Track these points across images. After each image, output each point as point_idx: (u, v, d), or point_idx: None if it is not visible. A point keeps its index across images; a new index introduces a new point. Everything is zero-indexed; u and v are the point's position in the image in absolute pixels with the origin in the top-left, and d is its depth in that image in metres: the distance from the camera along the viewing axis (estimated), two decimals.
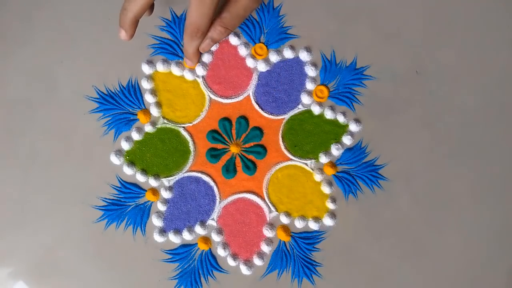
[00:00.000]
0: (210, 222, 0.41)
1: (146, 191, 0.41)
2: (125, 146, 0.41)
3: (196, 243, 0.41)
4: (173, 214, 0.41)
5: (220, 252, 0.41)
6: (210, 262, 0.41)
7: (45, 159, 0.41)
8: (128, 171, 0.41)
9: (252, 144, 0.41)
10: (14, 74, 0.42)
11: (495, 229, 0.41)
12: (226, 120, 0.41)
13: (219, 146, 0.41)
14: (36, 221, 0.41)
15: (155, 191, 0.41)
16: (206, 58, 0.41)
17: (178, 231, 0.41)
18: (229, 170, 0.41)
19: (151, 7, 0.39)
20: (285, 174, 0.41)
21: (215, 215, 0.41)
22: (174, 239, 0.41)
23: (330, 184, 0.41)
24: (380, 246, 0.41)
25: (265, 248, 0.41)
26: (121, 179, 0.41)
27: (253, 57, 0.41)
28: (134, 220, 0.41)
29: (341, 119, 0.41)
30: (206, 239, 0.41)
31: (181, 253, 0.41)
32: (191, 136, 0.41)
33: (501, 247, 0.41)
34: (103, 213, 0.41)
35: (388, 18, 0.42)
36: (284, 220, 0.41)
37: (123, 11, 0.35)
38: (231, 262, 0.41)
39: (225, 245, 0.41)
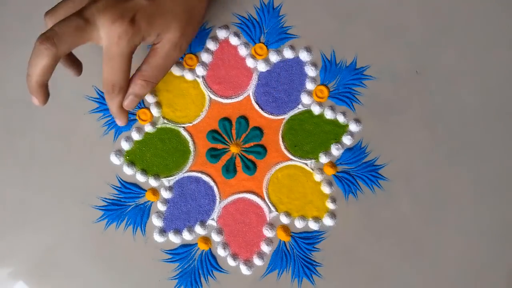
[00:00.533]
0: (210, 222, 0.41)
1: (146, 191, 0.41)
2: (125, 146, 0.41)
3: (196, 243, 0.41)
4: (173, 214, 0.41)
5: (220, 252, 0.41)
6: (210, 262, 0.41)
7: (45, 159, 0.41)
8: (128, 171, 0.41)
9: (252, 144, 0.41)
10: (14, 74, 0.42)
11: (495, 229, 0.41)
12: (226, 120, 0.41)
13: (219, 146, 0.41)
14: (36, 221, 0.41)
15: (155, 191, 0.41)
16: (206, 58, 0.41)
17: (178, 231, 0.41)
18: (229, 170, 0.41)
19: (77, 67, 0.37)
20: (285, 174, 0.41)
21: (215, 215, 0.41)
22: (174, 239, 0.41)
23: (330, 184, 0.41)
24: (380, 246, 0.41)
25: (265, 248, 0.41)
26: (121, 179, 0.41)
27: (253, 57, 0.41)
28: (134, 220, 0.41)
29: (341, 119, 0.41)
30: (206, 239, 0.41)
31: (181, 253, 0.41)
32: (191, 136, 0.41)
33: (501, 247, 0.41)
34: (103, 213, 0.41)
35: (388, 18, 0.42)
36: (284, 220, 0.41)
37: (27, 76, 0.32)
38: (231, 262, 0.41)
39: (225, 245, 0.41)
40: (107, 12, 0.31)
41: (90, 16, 0.31)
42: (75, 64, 0.37)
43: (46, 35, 0.31)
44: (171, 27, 0.34)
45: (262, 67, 0.41)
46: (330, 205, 0.41)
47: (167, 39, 0.34)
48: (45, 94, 0.33)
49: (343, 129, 0.41)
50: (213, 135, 0.41)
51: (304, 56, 0.41)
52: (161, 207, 0.41)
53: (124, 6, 0.32)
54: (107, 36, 0.32)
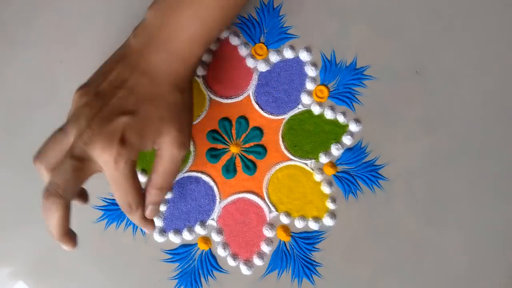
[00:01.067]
0: (210, 222, 0.41)
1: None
2: None
3: (196, 243, 0.41)
4: (173, 214, 0.41)
5: (220, 252, 0.41)
6: (210, 262, 0.41)
7: None
8: None
9: (252, 144, 0.41)
10: (14, 74, 0.42)
11: (495, 229, 0.41)
12: (226, 120, 0.41)
13: (219, 146, 0.41)
14: (36, 221, 0.41)
15: None
16: (206, 58, 0.41)
17: (178, 231, 0.41)
18: (229, 170, 0.41)
19: (84, 197, 0.36)
20: (285, 174, 0.41)
21: (215, 215, 0.41)
22: (174, 239, 0.41)
23: (330, 184, 0.41)
24: (380, 246, 0.41)
25: (265, 248, 0.41)
26: None
27: (253, 57, 0.41)
28: None
29: (341, 119, 0.41)
30: (206, 239, 0.41)
31: (181, 253, 0.41)
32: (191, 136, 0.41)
33: (501, 247, 0.41)
34: (103, 213, 0.41)
35: (388, 18, 0.42)
36: (284, 220, 0.41)
37: (47, 231, 0.31)
38: (231, 262, 0.41)
39: (225, 245, 0.41)
40: (95, 142, 0.30)
41: (81, 153, 0.30)
42: (82, 195, 0.36)
43: (49, 190, 0.30)
44: (163, 131, 0.32)
45: (262, 67, 0.41)
46: (330, 205, 0.41)
47: (165, 143, 0.33)
48: (72, 238, 0.32)
49: (343, 129, 0.41)
50: (213, 135, 0.41)
51: (304, 56, 0.41)
52: (161, 207, 0.41)
53: (109, 130, 0.31)
54: (104, 164, 0.31)
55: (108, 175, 0.31)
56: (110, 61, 0.34)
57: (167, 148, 0.33)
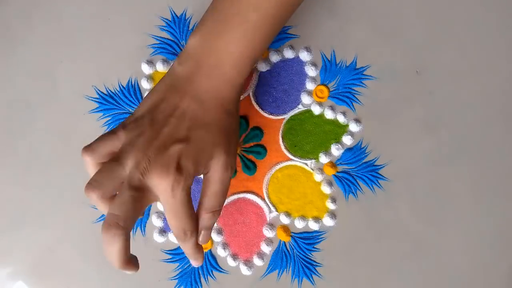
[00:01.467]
0: None
1: None
2: None
3: None
4: None
5: (220, 252, 0.41)
6: (210, 262, 0.41)
7: (45, 159, 0.41)
8: None
9: (252, 144, 0.41)
10: (14, 74, 0.42)
11: (495, 229, 0.41)
12: None
13: None
14: (36, 221, 0.41)
15: None
16: None
17: None
18: None
19: (135, 265, 0.32)
20: (285, 174, 0.41)
21: None
22: (174, 239, 0.41)
23: (330, 184, 0.41)
24: (380, 246, 0.41)
25: (265, 248, 0.41)
26: None
27: None
28: None
29: (341, 119, 0.41)
30: None
31: (181, 253, 0.41)
32: None
33: (501, 247, 0.41)
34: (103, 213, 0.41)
35: (388, 18, 0.42)
36: (284, 220, 0.41)
37: (107, 257, 0.30)
38: (231, 262, 0.41)
39: (225, 245, 0.41)
40: (152, 172, 0.30)
41: (138, 183, 0.30)
42: (132, 262, 0.32)
43: (108, 222, 0.30)
44: (215, 155, 0.33)
45: (262, 67, 0.41)
46: (330, 205, 0.41)
47: (215, 166, 0.33)
48: (134, 263, 0.32)
49: (343, 129, 0.41)
50: None
51: (304, 56, 0.41)
52: (161, 207, 0.41)
53: (165, 158, 0.31)
54: (161, 192, 0.31)
55: (165, 203, 0.31)
56: (158, 90, 0.34)
57: (217, 171, 0.33)
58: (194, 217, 0.33)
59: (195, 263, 0.34)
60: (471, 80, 0.41)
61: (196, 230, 0.33)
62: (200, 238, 0.34)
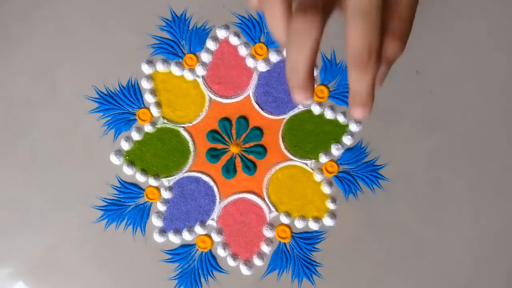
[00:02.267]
0: (210, 222, 0.41)
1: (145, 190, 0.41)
2: (125, 146, 0.41)
3: (195, 244, 0.41)
4: (173, 214, 0.41)
5: (220, 252, 0.41)
6: (210, 262, 0.41)
7: (45, 159, 0.41)
8: (128, 171, 0.41)
9: (252, 144, 0.41)
10: (14, 74, 0.42)
11: (495, 229, 0.41)
12: (226, 120, 0.41)
13: (219, 146, 0.41)
14: (36, 221, 0.41)
15: (154, 191, 0.41)
16: (206, 58, 0.41)
17: (178, 231, 0.41)
18: (229, 170, 0.41)
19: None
20: (285, 174, 0.41)
21: (215, 215, 0.41)
22: (174, 239, 0.41)
23: (330, 184, 0.41)
24: (380, 246, 0.40)
25: (265, 248, 0.41)
26: (121, 179, 0.41)
27: (253, 57, 0.41)
28: (134, 220, 0.41)
29: (341, 119, 0.41)
30: (206, 239, 0.41)
31: (181, 253, 0.41)
32: (191, 136, 0.41)
33: (501, 247, 0.41)
34: (103, 213, 0.41)
35: None
36: (284, 220, 0.41)
37: (291, 70, 0.24)
38: (231, 262, 0.41)
39: (225, 245, 0.41)
40: None
41: None
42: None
43: (304, 5, 0.23)
44: None
45: (262, 67, 0.41)
46: (330, 205, 0.41)
47: None
48: (314, 84, 0.25)
49: (343, 129, 0.41)
50: (213, 135, 0.41)
51: None
52: (161, 207, 0.41)
53: None
54: None
55: (355, 4, 0.24)
56: None
57: None
58: (380, 36, 0.25)
59: (361, 113, 0.27)
60: (471, 80, 0.41)
61: (378, 57, 0.26)
62: (380, 74, 0.27)
